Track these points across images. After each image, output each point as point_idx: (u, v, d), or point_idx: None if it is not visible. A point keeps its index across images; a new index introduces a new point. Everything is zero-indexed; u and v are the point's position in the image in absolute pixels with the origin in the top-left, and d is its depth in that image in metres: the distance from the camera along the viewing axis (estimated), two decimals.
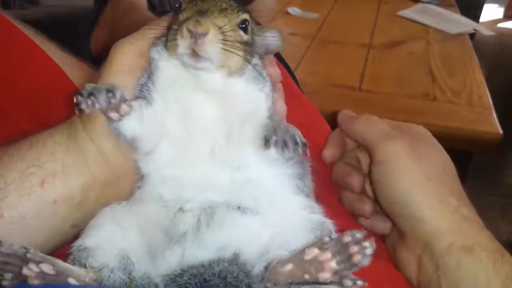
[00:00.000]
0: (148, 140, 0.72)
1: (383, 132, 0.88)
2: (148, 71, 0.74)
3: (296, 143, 0.65)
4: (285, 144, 0.65)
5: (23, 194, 0.72)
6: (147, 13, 1.87)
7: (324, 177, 0.93)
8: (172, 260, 0.67)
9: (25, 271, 0.63)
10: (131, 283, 0.68)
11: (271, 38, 0.78)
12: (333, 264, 0.60)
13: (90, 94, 0.66)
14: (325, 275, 0.61)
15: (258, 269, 0.66)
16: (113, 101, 0.67)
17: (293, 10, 2.80)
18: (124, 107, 0.68)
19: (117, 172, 0.77)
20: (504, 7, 6.31)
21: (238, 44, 0.68)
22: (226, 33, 0.66)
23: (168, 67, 0.71)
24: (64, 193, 0.74)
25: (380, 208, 0.88)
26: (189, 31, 0.63)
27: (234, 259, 0.66)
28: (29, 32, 1.07)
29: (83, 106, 0.66)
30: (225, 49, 0.66)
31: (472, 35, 2.69)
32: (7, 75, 0.99)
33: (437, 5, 2.95)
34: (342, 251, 0.61)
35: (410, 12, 2.80)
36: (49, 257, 0.66)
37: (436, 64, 2.15)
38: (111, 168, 0.77)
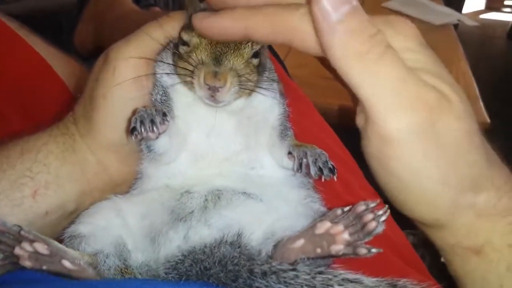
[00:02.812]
0: (173, 152, 0.72)
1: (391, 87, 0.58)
2: (159, 88, 0.72)
3: (323, 169, 0.66)
4: (320, 170, 0.66)
5: (14, 204, 0.70)
6: (132, 6, 1.85)
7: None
8: (175, 240, 0.67)
9: (17, 250, 0.62)
10: (126, 269, 0.67)
11: None
12: (345, 236, 0.61)
13: (141, 122, 0.64)
14: (338, 247, 0.61)
15: (265, 251, 0.66)
16: (155, 126, 0.65)
17: None
18: (162, 127, 0.66)
19: (115, 181, 0.77)
20: None
21: (252, 75, 0.68)
22: (242, 75, 0.66)
23: (184, 92, 0.71)
24: (56, 204, 0.72)
25: None
26: (207, 84, 0.63)
27: (237, 241, 0.66)
28: (14, 25, 1.05)
29: (142, 135, 0.64)
30: (241, 89, 0.67)
31: (455, 26, 2.71)
32: None
33: None
34: (355, 221, 0.61)
35: (395, 4, 2.81)
36: (43, 236, 0.64)
37: None
38: (110, 178, 0.76)
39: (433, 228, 0.68)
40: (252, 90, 0.69)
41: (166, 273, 0.66)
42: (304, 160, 0.67)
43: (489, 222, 0.63)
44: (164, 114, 0.66)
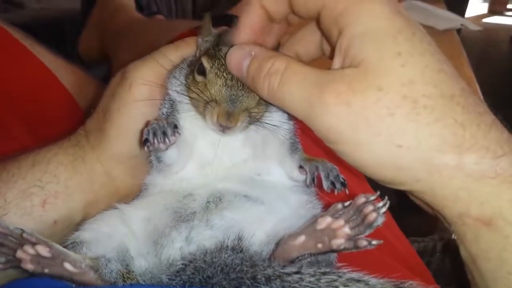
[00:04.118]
0: (181, 162, 0.75)
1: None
2: (168, 101, 0.75)
3: (335, 183, 0.69)
4: (332, 184, 0.69)
5: (23, 213, 0.71)
6: (135, 15, 1.86)
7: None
8: (177, 241, 0.68)
9: (19, 254, 0.62)
10: (128, 274, 0.68)
11: None
12: (346, 230, 0.61)
13: (154, 133, 0.67)
14: (339, 241, 0.61)
15: (266, 251, 0.66)
16: (167, 137, 0.68)
17: None
18: (173, 138, 0.68)
19: (120, 193, 0.79)
20: (489, 2, 6.38)
21: (261, 109, 0.72)
22: (253, 112, 0.70)
23: (193, 114, 0.73)
24: (64, 214, 0.74)
25: None
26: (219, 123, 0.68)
27: (238, 245, 0.67)
28: (19, 36, 1.05)
29: (154, 146, 0.67)
30: (250, 123, 0.71)
31: (458, 31, 2.70)
32: None
33: (424, 1, 2.96)
34: (355, 214, 0.61)
35: None
36: (45, 239, 0.65)
37: None
38: (116, 190, 0.78)
39: (423, 194, 0.60)
40: (260, 120, 0.73)
41: (169, 279, 0.66)
42: (316, 173, 0.70)
43: (491, 187, 0.58)
44: (175, 127, 0.69)
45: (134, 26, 1.71)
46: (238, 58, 0.66)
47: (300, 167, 0.73)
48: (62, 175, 0.75)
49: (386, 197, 0.62)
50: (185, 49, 0.79)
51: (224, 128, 0.68)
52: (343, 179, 0.69)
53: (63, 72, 1.09)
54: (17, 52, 1.02)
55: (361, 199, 0.62)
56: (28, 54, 1.03)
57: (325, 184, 0.69)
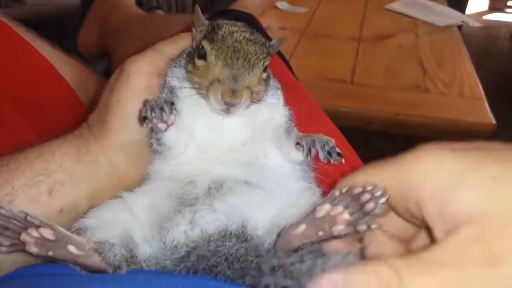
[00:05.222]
0: (180, 146, 0.77)
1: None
2: (167, 88, 0.78)
3: (332, 153, 0.71)
4: (329, 154, 0.71)
5: (31, 200, 0.72)
6: (135, 10, 1.85)
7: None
8: (181, 225, 0.69)
9: (23, 236, 0.62)
10: (132, 258, 0.68)
11: (277, 46, 0.83)
12: (346, 216, 0.61)
13: (152, 109, 0.69)
14: (339, 228, 0.61)
15: (269, 241, 0.67)
16: (165, 113, 0.70)
17: (282, 4, 2.79)
18: (172, 118, 0.71)
19: (123, 184, 0.80)
20: None
21: (262, 88, 0.75)
22: (254, 91, 0.73)
23: (192, 96, 0.75)
24: (71, 203, 0.75)
25: None
26: (225, 101, 0.70)
27: (242, 233, 0.67)
28: (20, 30, 1.06)
29: (154, 122, 0.69)
30: (253, 101, 0.74)
31: (459, 27, 2.70)
32: None
33: None
34: (354, 202, 0.61)
35: (398, 5, 2.80)
36: (49, 222, 0.65)
37: (426, 57, 2.16)
38: (119, 180, 0.80)
39: None
40: (261, 100, 0.76)
41: (174, 265, 0.67)
42: (312, 148, 0.72)
43: None
44: (172, 103, 0.71)
45: (134, 21, 1.70)
46: None
47: (297, 144, 0.74)
48: (67, 164, 0.76)
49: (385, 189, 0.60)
50: (182, 42, 0.83)
51: (229, 107, 0.70)
52: (339, 151, 0.71)
53: (64, 65, 1.10)
54: (18, 46, 1.03)
55: (357, 189, 0.61)
56: (29, 48, 1.03)
57: (321, 155, 0.71)
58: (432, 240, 0.49)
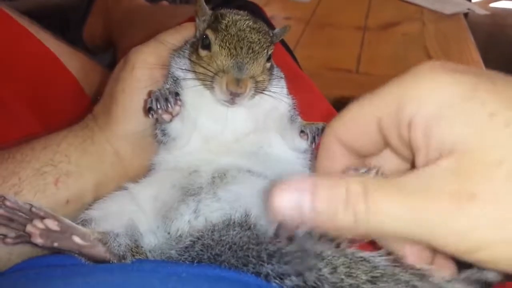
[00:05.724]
0: (185, 136, 0.77)
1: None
2: (171, 78, 0.78)
3: None
4: None
5: (37, 190, 0.73)
6: (140, 1, 1.85)
7: None
8: (186, 214, 0.70)
9: (28, 228, 0.63)
10: (137, 248, 0.69)
11: (281, 35, 0.83)
12: None
13: (157, 100, 0.70)
14: None
15: (270, 230, 0.67)
16: (170, 104, 0.71)
17: None
18: (177, 109, 0.71)
19: (128, 174, 0.80)
20: None
21: (266, 78, 0.75)
22: (258, 80, 0.73)
23: (196, 86, 0.76)
24: (76, 194, 0.76)
25: None
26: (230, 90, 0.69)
27: (245, 222, 0.68)
28: (24, 22, 1.06)
29: (159, 113, 0.70)
30: (257, 91, 0.74)
31: (465, 15, 2.68)
32: (4, 64, 0.98)
33: None
34: None
35: None
36: (53, 213, 0.66)
37: (432, 45, 2.14)
38: (125, 170, 0.80)
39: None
40: (265, 90, 0.76)
41: (179, 255, 0.67)
42: (317, 136, 0.72)
43: None
44: (177, 94, 0.72)
45: (139, 12, 1.70)
46: (289, 199, 0.45)
47: (301, 132, 0.75)
48: (73, 155, 0.77)
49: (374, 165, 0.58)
50: (185, 32, 0.83)
51: (233, 97, 0.70)
52: None
53: (68, 57, 1.10)
54: (22, 38, 1.03)
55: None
56: (33, 40, 1.04)
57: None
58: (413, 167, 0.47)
